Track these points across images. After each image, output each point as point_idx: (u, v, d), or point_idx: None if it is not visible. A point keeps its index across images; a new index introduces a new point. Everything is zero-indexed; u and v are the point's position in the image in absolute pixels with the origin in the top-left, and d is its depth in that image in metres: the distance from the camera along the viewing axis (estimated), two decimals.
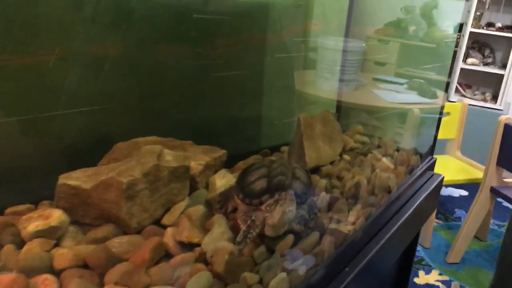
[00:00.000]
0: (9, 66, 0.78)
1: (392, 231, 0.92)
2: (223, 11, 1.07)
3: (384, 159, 1.03)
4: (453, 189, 3.00)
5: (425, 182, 1.12)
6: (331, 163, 0.97)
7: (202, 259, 0.65)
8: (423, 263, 2.13)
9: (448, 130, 2.47)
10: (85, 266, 0.62)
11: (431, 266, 2.11)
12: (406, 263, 1.29)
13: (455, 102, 2.76)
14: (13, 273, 0.57)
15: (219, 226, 0.68)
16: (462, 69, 3.21)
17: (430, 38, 2.07)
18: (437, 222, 2.55)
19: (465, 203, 2.82)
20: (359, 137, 1.12)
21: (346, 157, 1.01)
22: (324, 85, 1.62)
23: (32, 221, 0.65)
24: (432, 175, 1.17)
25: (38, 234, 0.64)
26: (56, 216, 0.65)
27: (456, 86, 3.29)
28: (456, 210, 2.73)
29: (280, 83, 1.30)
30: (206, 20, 1.03)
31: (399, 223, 0.95)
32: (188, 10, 0.97)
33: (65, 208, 0.68)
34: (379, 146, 1.12)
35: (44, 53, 0.81)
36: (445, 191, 2.95)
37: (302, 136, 0.92)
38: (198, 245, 0.67)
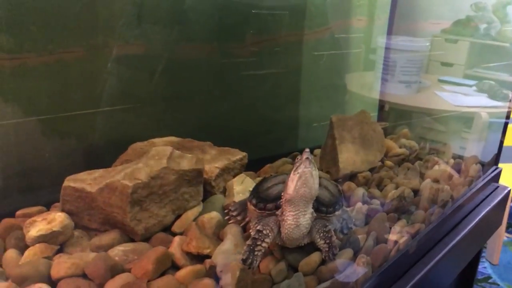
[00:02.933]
0: (29, 64, 0.76)
1: (444, 251, 0.79)
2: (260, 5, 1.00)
3: (436, 168, 0.89)
4: None
5: (488, 196, 0.96)
6: (371, 170, 0.85)
7: (212, 273, 0.57)
8: (490, 281, 1.91)
9: None
10: (84, 275, 0.57)
11: (499, 285, 1.88)
12: (466, 284, 1.13)
13: None
14: (6, 282, 0.53)
15: (233, 236, 0.60)
16: None
17: (503, 36, 1.89)
18: (507, 237, 2.28)
19: None
20: (406, 141, 0.98)
21: (389, 163, 0.88)
22: (382, 87, 1.51)
23: (36, 225, 0.61)
24: (497, 187, 1.01)
25: (40, 239, 0.60)
26: (59, 220, 0.60)
27: None
28: None
29: (322, 82, 1.19)
30: (238, 14, 0.97)
31: (453, 242, 0.81)
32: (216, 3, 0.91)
33: (71, 212, 0.63)
34: (430, 153, 0.98)
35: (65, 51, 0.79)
36: None
37: (335, 140, 0.81)
38: (209, 256, 0.59)
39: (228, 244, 0.59)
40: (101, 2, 0.81)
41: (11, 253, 0.59)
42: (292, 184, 0.53)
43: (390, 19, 1.35)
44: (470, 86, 1.68)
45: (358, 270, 0.63)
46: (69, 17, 0.76)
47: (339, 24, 1.17)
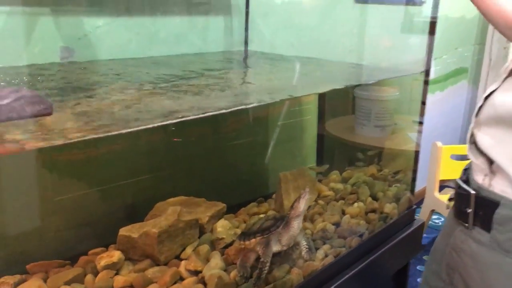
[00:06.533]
0: (90, 155, 1.23)
1: (362, 266, 1.19)
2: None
3: (356, 205, 1.31)
4: None
5: (401, 229, 1.36)
6: (308, 208, 1.27)
7: (202, 281, 1.01)
8: None
9: None
10: (132, 286, 1.00)
11: None
12: None
13: None
14: None
15: (215, 259, 1.04)
16: None
17: None
18: None
19: None
20: (334, 185, 1.42)
21: (321, 202, 1.32)
22: (361, 131, 1.87)
23: (103, 259, 1.05)
24: (413, 220, 1.42)
25: (106, 267, 1.04)
26: (116, 256, 1.05)
27: None
28: None
29: (286, 141, 1.66)
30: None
31: (369, 259, 1.22)
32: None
33: (122, 250, 1.08)
34: (352, 193, 1.40)
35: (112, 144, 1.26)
36: None
37: (281, 190, 1.26)
38: (201, 271, 1.03)
39: (212, 263, 1.03)
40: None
41: (89, 276, 1.03)
42: (302, 205, 1.00)
43: None
44: None
45: (292, 278, 1.05)
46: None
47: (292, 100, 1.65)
